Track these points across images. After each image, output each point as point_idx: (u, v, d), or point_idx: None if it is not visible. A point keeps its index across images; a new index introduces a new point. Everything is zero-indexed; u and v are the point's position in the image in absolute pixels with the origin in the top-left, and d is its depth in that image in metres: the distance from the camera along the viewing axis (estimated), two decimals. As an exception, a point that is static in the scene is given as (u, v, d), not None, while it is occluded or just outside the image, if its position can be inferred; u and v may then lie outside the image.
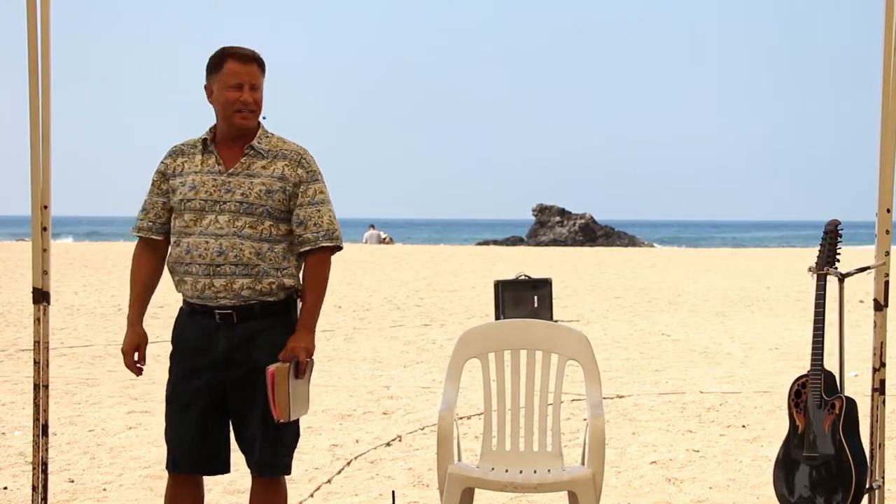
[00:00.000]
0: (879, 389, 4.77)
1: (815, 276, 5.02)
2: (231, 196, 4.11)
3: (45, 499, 4.77)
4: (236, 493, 6.04)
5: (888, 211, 4.69)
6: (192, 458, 4.21)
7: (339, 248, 4.22)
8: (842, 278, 4.98)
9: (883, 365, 4.78)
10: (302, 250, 4.17)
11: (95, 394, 9.03)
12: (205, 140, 4.19)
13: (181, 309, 4.26)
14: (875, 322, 4.78)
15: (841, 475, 4.88)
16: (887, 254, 4.75)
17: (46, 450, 4.76)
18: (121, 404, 8.58)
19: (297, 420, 4.22)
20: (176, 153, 4.24)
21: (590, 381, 4.86)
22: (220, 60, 4.15)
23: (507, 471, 4.72)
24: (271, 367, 4.07)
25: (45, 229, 4.67)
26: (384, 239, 43.58)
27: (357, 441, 7.35)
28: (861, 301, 15.38)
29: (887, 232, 4.71)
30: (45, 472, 4.76)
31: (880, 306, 4.76)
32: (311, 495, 6.03)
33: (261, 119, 4.18)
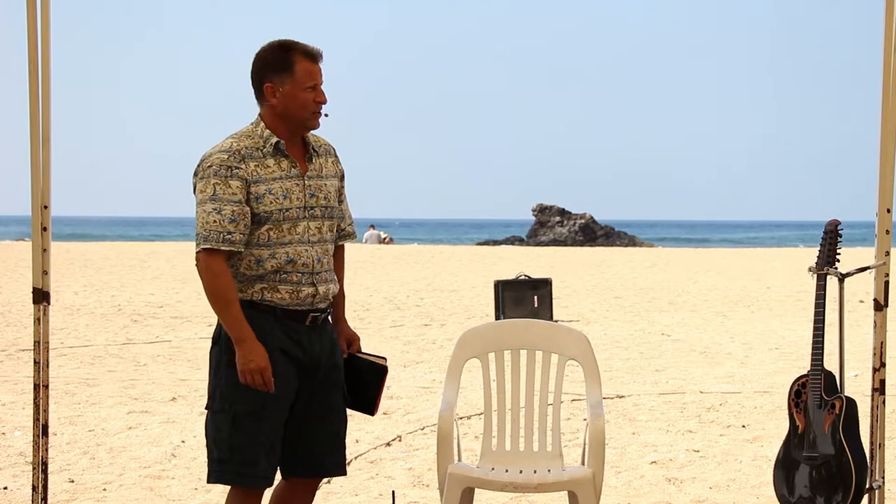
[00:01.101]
0: (879, 389, 4.77)
1: (815, 276, 5.02)
2: (316, 201, 4.04)
3: (45, 499, 4.77)
4: (236, 493, 6.03)
5: (888, 211, 4.70)
6: (276, 469, 4.05)
7: None
8: (842, 278, 4.98)
9: (883, 365, 4.78)
10: (341, 243, 4.25)
11: (95, 394, 9.03)
12: (278, 142, 4.00)
13: (252, 313, 3.96)
14: (875, 322, 4.78)
15: (841, 475, 4.88)
16: (887, 254, 4.75)
17: (46, 450, 4.76)
18: (121, 404, 8.58)
19: None
20: (242, 156, 3.93)
21: (590, 381, 4.86)
22: (289, 59, 3.98)
23: (507, 471, 4.71)
24: (387, 366, 4.23)
25: (45, 229, 4.67)
26: (384, 239, 43.58)
27: (357, 441, 7.35)
28: (861, 301, 15.39)
29: (887, 232, 4.71)
30: (45, 472, 4.76)
31: (880, 306, 4.76)
32: (311, 495, 6.02)
33: (324, 117, 4.08)
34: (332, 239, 4.12)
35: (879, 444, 4.81)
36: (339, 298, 4.26)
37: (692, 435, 7.61)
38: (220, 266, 3.90)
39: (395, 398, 8.97)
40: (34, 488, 4.74)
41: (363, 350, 4.32)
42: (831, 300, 4.94)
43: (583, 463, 4.75)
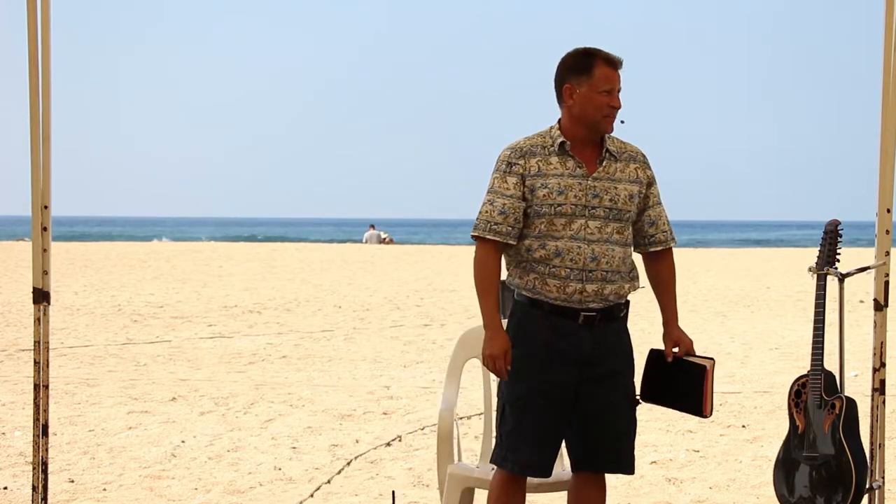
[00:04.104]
0: (879, 389, 4.77)
1: (815, 276, 5.02)
2: (599, 202, 4.10)
3: (45, 499, 4.78)
4: (236, 493, 6.04)
5: (888, 211, 4.69)
6: (547, 460, 4.17)
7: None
8: (842, 278, 4.98)
9: (883, 365, 4.78)
10: (653, 250, 4.30)
11: (95, 394, 9.03)
12: (563, 142, 4.11)
13: (525, 306, 4.15)
14: (875, 322, 4.78)
15: (841, 475, 4.88)
16: (887, 254, 4.75)
17: (46, 450, 4.76)
18: (121, 404, 8.58)
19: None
20: (526, 154, 4.11)
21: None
22: (589, 63, 4.09)
23: (507, 471, 4.71)
24: (707, 365, 4.27)
25: (45, 229, 4.67)
26: (384, 239, 43.58)
27: (357, 441, 7.35)
28: (861, 301, 15.38)
29: (887, 232, 4.71)
30: (45, 472, 4.76)
31: (880, 306, 4.75)
32: (311, 495, 6.03)
33: (619, 123, 4.17)
34: (622, 241, 4.15)
35: (879, 444, 4.81)
36: (667, 303, 4.41)
37: (692, 435, 7.61)
38: (485, 254, 4.14)
39: (395, 398, 8.98)
40: (34, 488, 4.75)
41: (695, 353, 4.36)
42: (831, 300, 4.94)
43: (583, 463, 4.74)
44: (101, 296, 18.19)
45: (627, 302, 4.29)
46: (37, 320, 4.71)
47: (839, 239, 5.05)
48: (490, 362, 4.10)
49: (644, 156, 4.26)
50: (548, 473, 4.20)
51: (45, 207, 4.66)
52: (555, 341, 4.10)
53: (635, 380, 4.33)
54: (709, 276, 24.65)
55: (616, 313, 4.21)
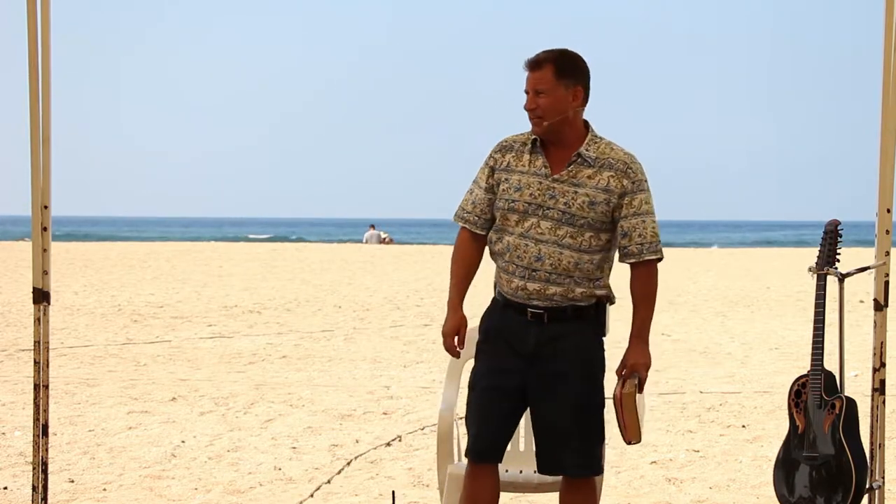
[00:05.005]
0: (879, 389, 4.77)
1: (815, 276, 5.02)
2: (554, 203, 4.10)
3: (45, 499, 4.78)
4: (236, 493, 6.04)
5: (888, 211, 4.69)
6: (490, 444, 4.23)
7: (661, 259, 4.21)
8: (842, 278, 4.98)
9: (883, 365, 4.78)
10: (626, 262, 4.22)
11: (95, 394, 9.03)
12: (535, 140, 4.16)
13: (494, 299, 4.31)
14: (875, 322, 4.78)
15: (841, 475, 4.88)
16: (887, 254, 4.75)
17: (46, 450, 4.76)
18: (121, 404, 8.58)
19: (603, 421, 4.23)
20: (505, 149, 4.22)
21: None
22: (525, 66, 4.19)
23: (507, 471, 4.70)
24: (616, 391, 4.17)
25: (45, 229, 4.67)
26: (384, 239, 43.59)
27: (357, 441, 7.35)
28: (861, 301, 15.38)
29: (887, 232, 4.71)
30: (45, 472, 4.76)
31: (880, 306, 4.76)
32: (311, 495, 6.03)
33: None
34: (575, 246, 4.09)
35: (879, 444, 4.81)
36: (634, 319, 4.29)
37: (692, 435, 7.61)
38: (459, 239, 4.33)
39: (395, 398, 8.98)
40: (34, 488, 4.75)
41: (644, 377, 4.29)
42: (831, 300, 4.94)
43: (583, 463, 4.72)
44: (101, 296, 18.19)
45: (597, 306, 4.22)
46: (37, 320, 4.71)
47: (839, 239, 5.05)
48: (443, 340, 4.29)
49: (626, 165, 4.12)
50: (496, 458, 4.23)
51: (45, 207, 4.66)
52: (504, 332, 4.22)
53: (604, 384, 4.29)
54: (709, 276, 24.65)
55: (571, 315, 4.17)
